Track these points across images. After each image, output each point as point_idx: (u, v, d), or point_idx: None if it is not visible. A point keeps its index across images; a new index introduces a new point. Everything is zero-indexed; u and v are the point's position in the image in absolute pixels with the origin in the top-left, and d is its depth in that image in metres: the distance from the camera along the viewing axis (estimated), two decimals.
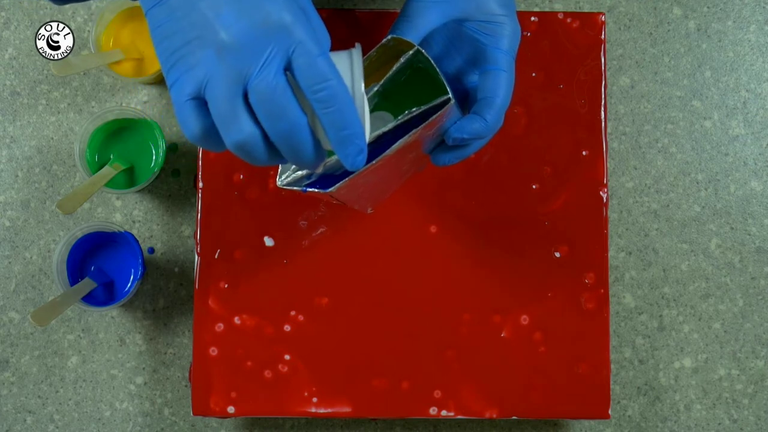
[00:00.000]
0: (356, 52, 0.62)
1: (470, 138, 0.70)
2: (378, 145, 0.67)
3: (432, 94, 0.68)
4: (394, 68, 0.68)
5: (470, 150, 0.73)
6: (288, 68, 0.58)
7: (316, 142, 0.60)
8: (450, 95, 0.67)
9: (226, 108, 0.58)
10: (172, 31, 0.58)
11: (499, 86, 0.70)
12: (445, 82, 0.67)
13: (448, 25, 0.72)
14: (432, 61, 0.67)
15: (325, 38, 0.60)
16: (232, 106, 0.58)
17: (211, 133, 0.60)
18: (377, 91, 0.69)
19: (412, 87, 0.70)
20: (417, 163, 0.77)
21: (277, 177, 0.70)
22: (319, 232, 0.84)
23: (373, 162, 0.67)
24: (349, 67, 0.62)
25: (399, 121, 0.67)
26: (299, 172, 0.71)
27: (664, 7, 0.93)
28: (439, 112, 0.67)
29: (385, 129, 0.67)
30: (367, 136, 0.64)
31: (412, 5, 0.70)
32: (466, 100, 0.74)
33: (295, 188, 0.68)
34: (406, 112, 0.68)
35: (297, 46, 0.58)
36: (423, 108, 0.67)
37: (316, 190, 0.67)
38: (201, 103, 0.59)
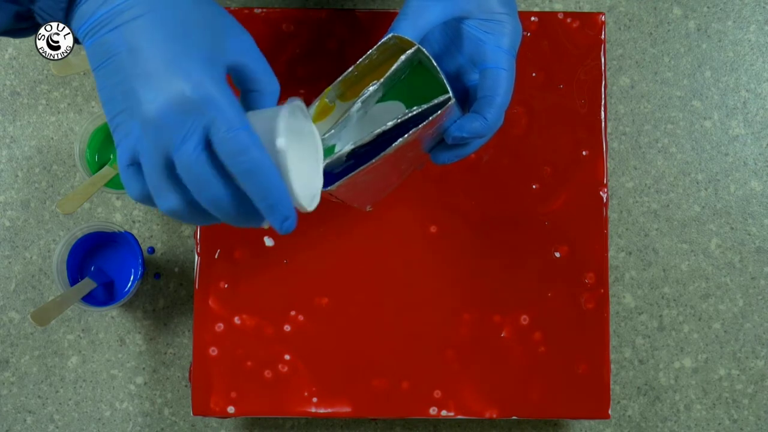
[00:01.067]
0: (288, 107, 0.61)
1: (470, 137, 0.70)
2: (378, 144, 0.67)
3: (432, 93, 0.68)
4: (395, 67, 0.68)
5: (470, 149, 0.73)
6: (208, 143, 0.59)
7: (245, 209, 0.61)
8: (450, 95, 0.67)
9: (154, 179, 0.59)
10: (110, 97, 0.60)
11: (499, 85, 0.70)
12: (445, 81, 0.67)
13: (449, 23, 0.72)
14: (432, 60, 0.67)
15: (274, 88, 0.63)
16: (159, 178, 0.59)
17: (150, 196, 0.61)
18: (377, 89, 0.69)
19: (412, 85, 0.69)
20: (416, 162, 0.77)
21: None
22: (319, 232, 0.84)
23: (373, 161, 0.67)
24: (279, 124, 0.61)
25: (399, 120, 0.67)
26: None
27: (664, 7, 0.93)
28: (439, 112, 0.67)
29: (385, 128, 0.67)
30: (321, 168, 0.65)
31: (412, 3, 0.70)
32: (466, 99, 0.74)
33: None
34: (406, 110, 0.68)
35: (213, 121, 0.58)
36: (423, 107, 0.67)
37: None
38: (139, 168, 0.60)
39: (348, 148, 0.66)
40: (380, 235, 0.84)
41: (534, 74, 0.85)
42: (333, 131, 0.69)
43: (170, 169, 0.59)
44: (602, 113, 0.85)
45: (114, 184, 0.88)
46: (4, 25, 0.65)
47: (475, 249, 0.85)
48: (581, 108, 0.85)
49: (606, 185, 0.85)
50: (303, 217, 0.85)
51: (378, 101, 0.70)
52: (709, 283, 0.91)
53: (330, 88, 0.68)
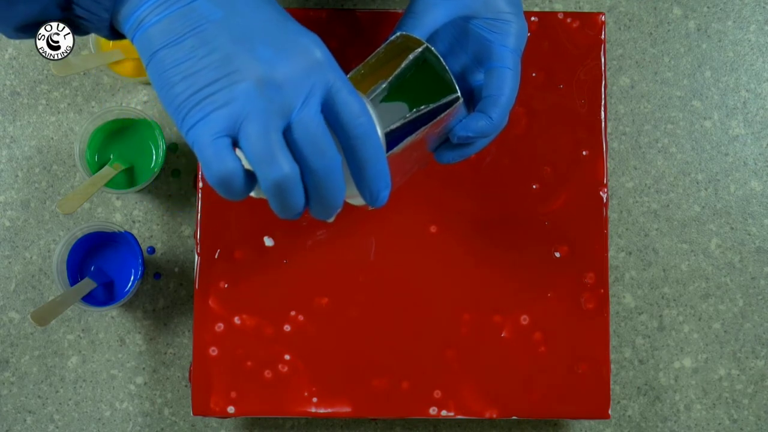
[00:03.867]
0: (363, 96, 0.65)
1: (475, 136, 0.70)
2: (384, 143, 0.67)
3: (439, 92, 0.68)
4: (402, 65, 0.68)
5: (474, 148, 0.73)
6: (323, 105, 0.58)
7: (341, 184, 0.60)
8: (458, 94, 0.67)
9: (267, 144, 0.56)
10: (196, 69, 0.57)
11: (504, 84, 0.71)
12: (453, 81, 0.67)
13: (455, 22, 0.72)
14: (441, 59, 0.67)
15: None
16: (273, 142, 0.56)
17: (240, 174, 0.57)
18: (385, 88, 0.68)
19: (419, 84, 0.69)
20: (421, 161, 0.77)
21: None
22: (319, 232, 0.84)
23: None
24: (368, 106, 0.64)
25: (407, 119, 0.67)
26: None
27: (664, 7, 0.93)
28: (447, 111, 0.67)
29: (392, 127, 0.67)
30: None
31: (418, 2, 0.70)
32: (471, 98, 0.74)
33: None
34: (414, 110, 0.68)
35: (334, 82, 0.58)
36: (431, 106, 0.67)
37: None
38: (230, 142, 0.57)
39: None
40: (380, 235, 0.84)
41: (534, 74, 0.85)
42: None
43: (282, 134, 0.57)
44: (602, 113, 0.85)
45: (114, 184, 0.88)
46: (35, 15, 0.61)
47: (476, 249, 0.85)
48: (581, 108, 0.85)
49: (606, 185, 0.85)
50: (303, 216, 0.85)
51: (382, 100, 0.70)
52: (709, 283, 0.91)
53: None
